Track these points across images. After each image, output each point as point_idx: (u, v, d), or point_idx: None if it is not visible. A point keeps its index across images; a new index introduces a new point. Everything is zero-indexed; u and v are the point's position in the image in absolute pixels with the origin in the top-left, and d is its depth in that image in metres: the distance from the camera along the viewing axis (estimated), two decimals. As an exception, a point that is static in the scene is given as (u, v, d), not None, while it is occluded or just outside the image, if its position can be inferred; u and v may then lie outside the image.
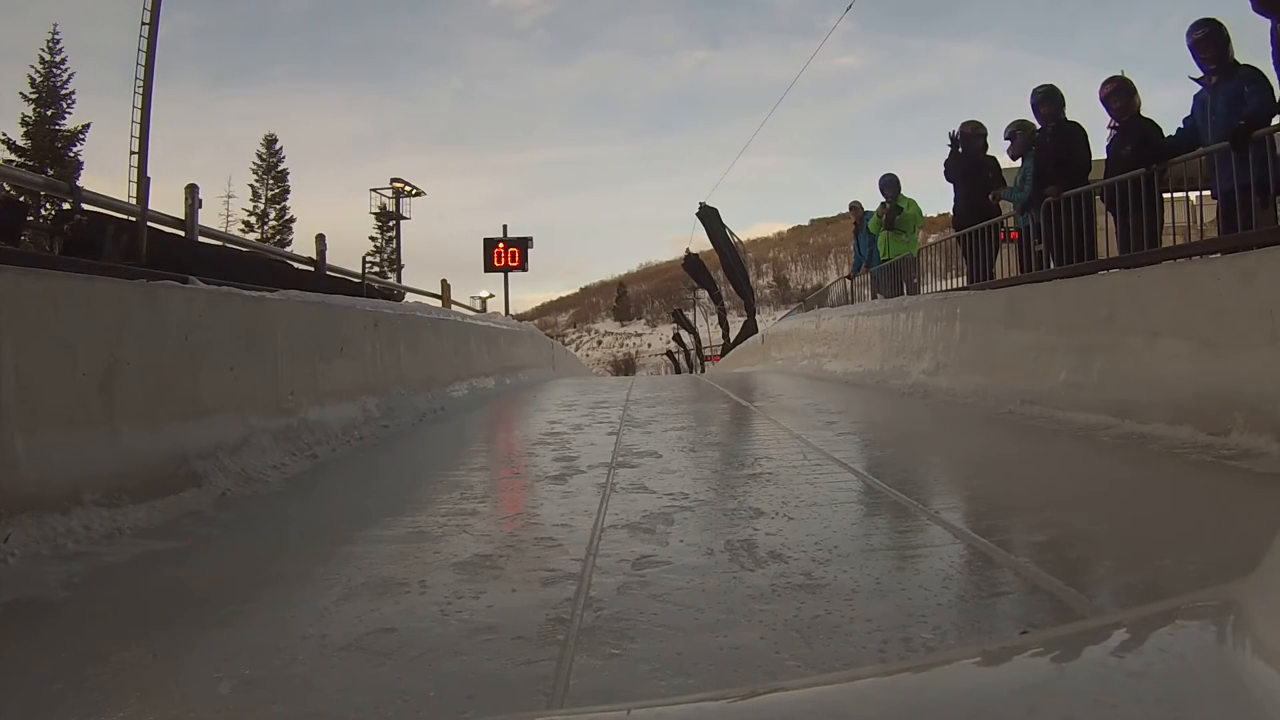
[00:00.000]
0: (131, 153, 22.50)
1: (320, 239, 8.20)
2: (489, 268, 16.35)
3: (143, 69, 23.28)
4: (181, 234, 5.98)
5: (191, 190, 6.05)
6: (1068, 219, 6.07)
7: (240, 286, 3.89)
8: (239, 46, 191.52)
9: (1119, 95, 6.03)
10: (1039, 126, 6.72)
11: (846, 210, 10.88)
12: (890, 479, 2.96)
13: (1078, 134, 6.65)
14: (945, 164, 7.78)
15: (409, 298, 10.39)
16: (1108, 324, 4.04)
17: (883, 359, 6.95)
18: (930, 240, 9.21)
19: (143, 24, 23.16)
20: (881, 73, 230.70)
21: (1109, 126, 6.06)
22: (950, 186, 7.73)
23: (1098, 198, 5.94)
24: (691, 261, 23.39)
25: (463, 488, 3.06)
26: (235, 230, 31.11)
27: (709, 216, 19.41)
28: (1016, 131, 6.98)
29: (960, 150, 7.52)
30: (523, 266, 16.33)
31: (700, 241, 21.69)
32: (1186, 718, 0.52)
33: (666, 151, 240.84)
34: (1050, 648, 0.72)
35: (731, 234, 19.97)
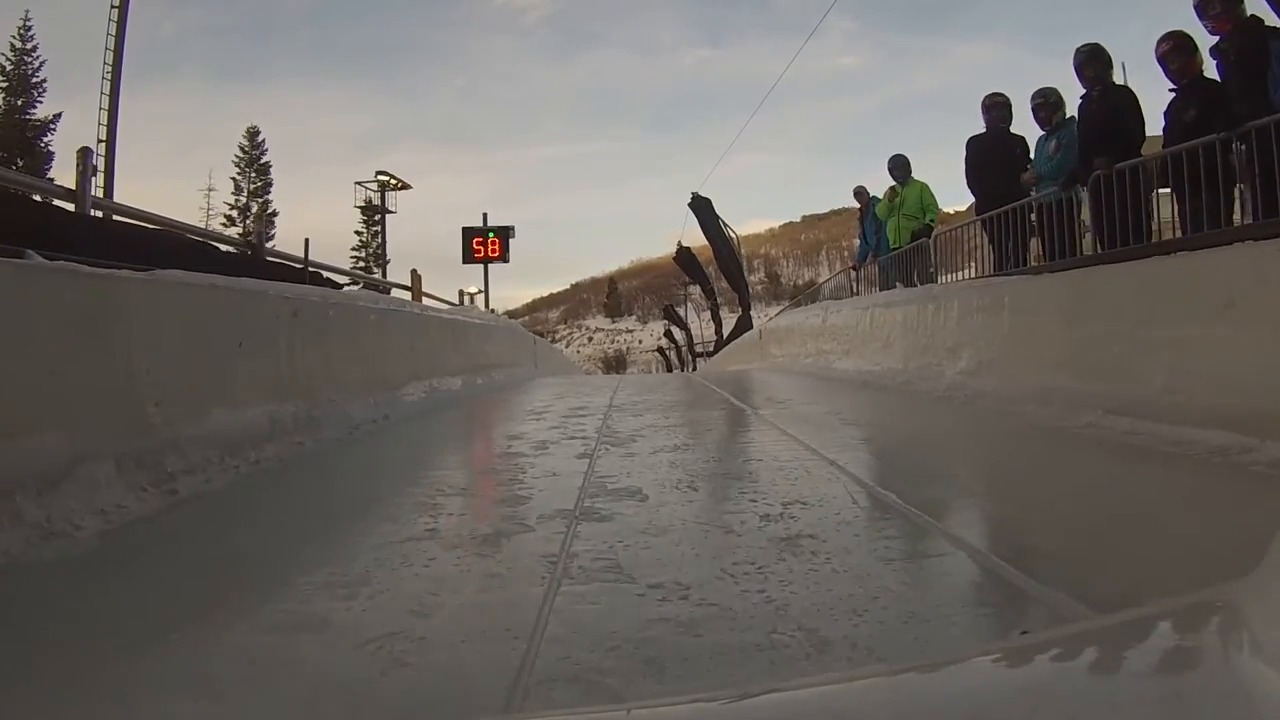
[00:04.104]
0: (99, 140, 21.68)
1: (259, 220, 7.31)
2: (468, 258, 15.38)
3: (111, 52, 22.51)
4: (71, 207, 4.99)
5: (84, 154, 5.05)
6: (1121, 195, 5.23)
7: (88, 263, 2.90)
8: (243, 42, 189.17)
9: (1177, 54, 5.22)
10: (1084, 91, 5.88)
11: (839, 207, 10.16)
12: (1009, 553, 1.89)
13: (1128, 98, 5.83)
14: (967, 144, 7.00)
15: (394, 293, 9.80)
16: (1225, 313, 3.11)
17: (906, 357, 6.01)
18: (940, 231, 8.37)
19: (112, 6, 22.37)
20: (881, 71, 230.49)
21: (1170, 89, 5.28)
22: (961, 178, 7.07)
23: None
24: (683, 254, 22.27)
25: (335, 565, 1.96)
26: (217, 225, 30.01)
27: (702, 207, 18.38)
28: (1043, 101, 6.23)
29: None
30: (504, 257, 15.36)
31: (693, 236, 20.67)
32: (1186, 718, 0.51)
33: (664, 149, 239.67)
34: (1050, 648, 0.71)
35: (725, 225, 18.96)
